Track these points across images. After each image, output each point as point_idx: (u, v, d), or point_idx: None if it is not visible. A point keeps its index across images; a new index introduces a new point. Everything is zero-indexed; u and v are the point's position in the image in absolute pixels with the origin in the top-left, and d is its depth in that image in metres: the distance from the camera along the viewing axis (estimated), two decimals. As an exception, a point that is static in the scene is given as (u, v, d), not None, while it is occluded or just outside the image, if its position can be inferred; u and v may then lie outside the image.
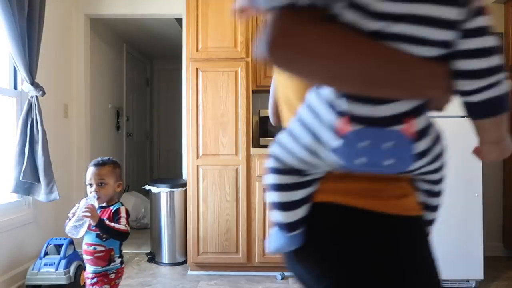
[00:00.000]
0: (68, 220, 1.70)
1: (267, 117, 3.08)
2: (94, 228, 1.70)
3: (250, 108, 2.89)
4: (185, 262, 3.12)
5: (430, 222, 0.77)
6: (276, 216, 0.70)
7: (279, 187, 0.69)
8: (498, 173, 3.35)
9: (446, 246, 2.46)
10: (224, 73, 2.86)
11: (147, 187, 3.27)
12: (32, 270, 2.50)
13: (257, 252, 2.86)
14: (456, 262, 2.53)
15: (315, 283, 0.70)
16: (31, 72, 2.61)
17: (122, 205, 1.82)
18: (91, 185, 1.78)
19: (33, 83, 2.61)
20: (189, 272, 2.94)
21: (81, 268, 2.53)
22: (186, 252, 3.02)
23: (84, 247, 1.78)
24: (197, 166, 2.88)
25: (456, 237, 2.54)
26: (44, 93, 2.67)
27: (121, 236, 1.75)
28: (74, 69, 3.49)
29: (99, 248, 1.75)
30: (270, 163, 0.69)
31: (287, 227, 0.69)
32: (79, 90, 3.52)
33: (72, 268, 2.51)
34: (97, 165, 1.80)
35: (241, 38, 2.85)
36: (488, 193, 2.97)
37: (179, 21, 3.68)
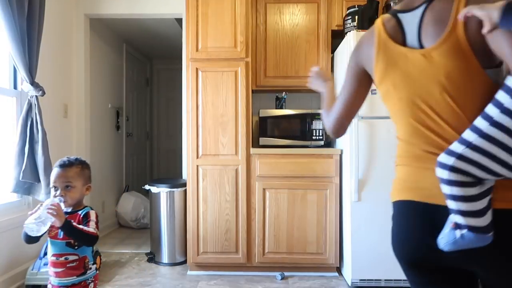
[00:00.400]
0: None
1: (267, 117, 3.08)
2: (62, 237, 1.55)
3: (250, 108, 2.88)
4: (185, 262, 3.12)
5: None
6: (466, 221, 0.81)
7: (466, 198, 0.80)
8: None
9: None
10: (224, 73, 2.86)
11: (147, 187, 3.27)
12: (32, 270, 2.50)
13: (256, 252, 2.86)
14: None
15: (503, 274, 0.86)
16: (31, 72, 2.61)
17: (92, 209, 1.65)
18: (55, 188, 1.57)
19: (33, 83, 2.61)
20: (189, 272, 2.94)
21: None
22: (186, 252, 3.02)
23: (52, 259, 1.57)
24: (197, 166, 2.88)
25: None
26: (44, 93, 2.67)
27: (90, 240, 1.55)
28: (74, 69, 3.50)
29: (72, 258, 1.56)
30: (450, 176, 0.80)
31: (479, 230, 0.81)
32: (79, 90, 3.53)
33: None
34: (62, 166, 1.60)
35: (241, 38, 2.85)
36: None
37: (179, 21, 3.68)
